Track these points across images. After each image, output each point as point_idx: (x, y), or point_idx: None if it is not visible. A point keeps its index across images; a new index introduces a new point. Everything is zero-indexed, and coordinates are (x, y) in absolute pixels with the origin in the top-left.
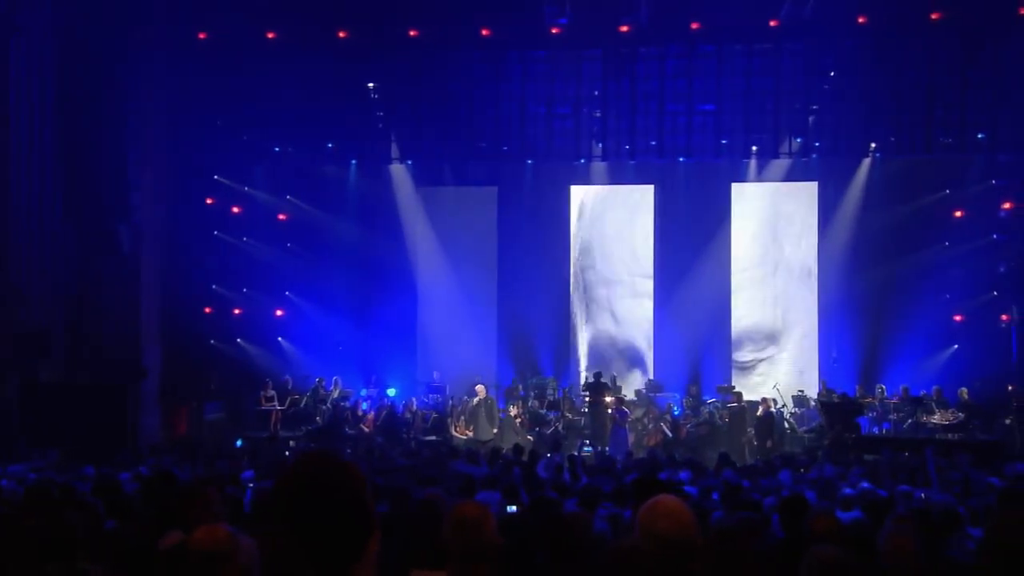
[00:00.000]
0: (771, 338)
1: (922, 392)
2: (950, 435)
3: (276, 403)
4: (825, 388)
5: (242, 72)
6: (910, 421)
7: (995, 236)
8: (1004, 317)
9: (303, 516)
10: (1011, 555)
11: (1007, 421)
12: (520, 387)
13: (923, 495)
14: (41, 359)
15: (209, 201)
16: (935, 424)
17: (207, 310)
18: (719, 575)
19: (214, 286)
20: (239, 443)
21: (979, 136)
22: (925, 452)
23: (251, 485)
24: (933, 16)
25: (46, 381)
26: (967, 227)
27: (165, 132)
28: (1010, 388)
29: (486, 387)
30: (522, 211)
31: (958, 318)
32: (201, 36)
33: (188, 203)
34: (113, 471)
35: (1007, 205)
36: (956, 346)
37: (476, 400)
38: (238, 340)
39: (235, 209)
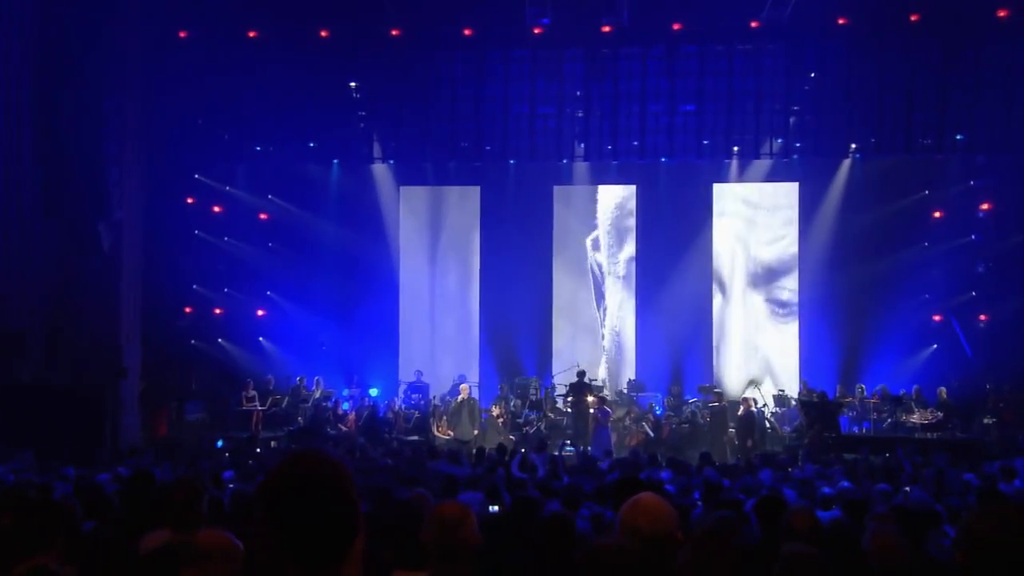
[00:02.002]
0: (752, 338)
1: (901, 391)
2: (929, 434)
3: (257, 403)
4: (805, 387)
5: (223, 71)
6: (890, 420)
7: (973, 236)
8: (982, 317)
9: (291, 515)
10: (986, 551)
11: (985, 420)
12: (507, 388)
13: (907, 489)
14: (19, 359)
15: (190, 200)
16: (914, 423)
17: (188, 310)
18: (699, 573)
19: (195, 286)
20: (219, 443)
21: (958, 137)
22: (897, 452)
23: (232, 486)
24: (912, 18)
25: (24, 381)
26: (946, 227)
27: (145, 131)
28: (988, 387)
29: (469, 387)
30: (504, 211)
31: (937, 318)
32: (182, 35)
33: (168, 202)
34: (92, 472)
35: (985, 206)
36: (935, 346)
37: (459, 400)
38: (219, 340)
39: (216, 208)
